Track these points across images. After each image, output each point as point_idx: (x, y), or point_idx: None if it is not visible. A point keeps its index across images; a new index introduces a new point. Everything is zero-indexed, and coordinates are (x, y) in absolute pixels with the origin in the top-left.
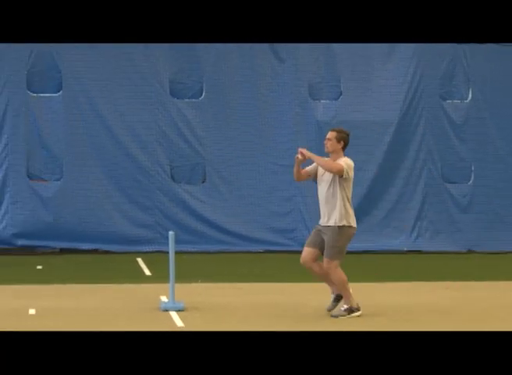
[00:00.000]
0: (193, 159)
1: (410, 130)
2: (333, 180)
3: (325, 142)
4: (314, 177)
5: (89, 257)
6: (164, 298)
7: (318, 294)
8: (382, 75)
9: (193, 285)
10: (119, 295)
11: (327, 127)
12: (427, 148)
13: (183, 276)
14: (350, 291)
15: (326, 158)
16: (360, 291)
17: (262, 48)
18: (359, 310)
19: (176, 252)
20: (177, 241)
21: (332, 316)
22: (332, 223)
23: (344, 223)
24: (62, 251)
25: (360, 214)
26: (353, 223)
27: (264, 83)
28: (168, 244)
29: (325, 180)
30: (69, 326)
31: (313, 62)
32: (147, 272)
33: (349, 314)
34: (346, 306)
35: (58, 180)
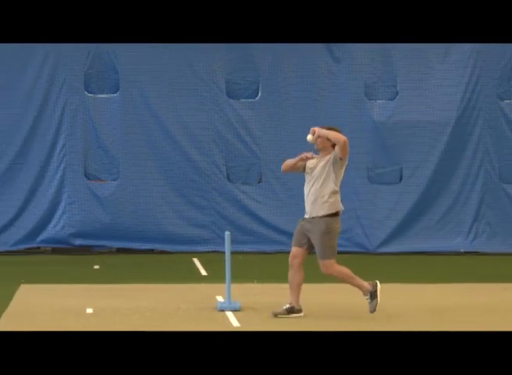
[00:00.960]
0: (249, 159)
1: (467, 131)
2: (327, 173)
3: (315, 140)
4: (302, 169)
5: (145, 257)
6: (220, 298)
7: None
8: (439, 75)
9: (249, 285)
10: (174, 295)
11: (383, 127)
12: (484, 149)
13: (238, 277)
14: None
15: (333, 132)
16: (416, 292)
17: (318, 48)
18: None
19: (232, 252)
20: (233, 241)
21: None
22: (321, 214)
23: (333, 210)
24: (119, 251)
25: (416, 214)
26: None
27: (320, 84)
28: (224, 244)
29: (317, 173)
30: (126, 325)
31: (369, 62)
32: (203, 272)
33: (372, 300)
34: (368, 295)
35: (114, 180)
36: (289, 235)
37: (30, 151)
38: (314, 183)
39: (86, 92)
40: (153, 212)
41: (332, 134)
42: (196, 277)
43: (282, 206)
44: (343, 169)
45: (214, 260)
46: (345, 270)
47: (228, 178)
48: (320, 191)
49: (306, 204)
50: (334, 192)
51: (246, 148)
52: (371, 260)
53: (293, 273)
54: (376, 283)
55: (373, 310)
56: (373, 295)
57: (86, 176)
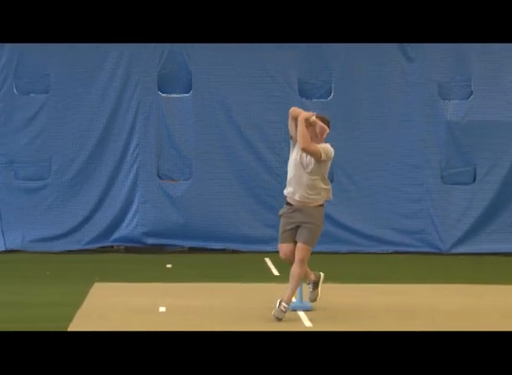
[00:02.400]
0: None
1: None
2: (318, 165)
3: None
4: (295, 139)
5: (217, 256)
6: (292, 298)
7: (446, 296)
8: None
9: (321, 285)
10: (246, 295)
11: (457, 127)
12: None
13: None
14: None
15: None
16: (489, 293)
17: (391, 48)
18: None
19: None
20: None
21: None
22: (315, 204)
23: (323, 201)
24: (191, 250)
25: (490, 215)
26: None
27: (393, 83)
28: None
29: (309, 161)
30: (198, 325)
31: (442, 62)
32: (275, 272)
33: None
34: (311, 283)
35: (187, 179)
36: (361, 235)
37: (104, 151)
38: (305, 168)
39: (159, 92)
40: (225, 212)
41: (303, 134)
42: (268, 277)
43: (354, 206)
44: (328, 165)
45: None
46: (304, 271)
47: None
48: (314, 181)
49: (292, 182)
50: (326, 183)
51: None
52: (444, 261)
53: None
54: (320, 275)
55: (313, 300)
56: (315, 285)
57: (158, 176)
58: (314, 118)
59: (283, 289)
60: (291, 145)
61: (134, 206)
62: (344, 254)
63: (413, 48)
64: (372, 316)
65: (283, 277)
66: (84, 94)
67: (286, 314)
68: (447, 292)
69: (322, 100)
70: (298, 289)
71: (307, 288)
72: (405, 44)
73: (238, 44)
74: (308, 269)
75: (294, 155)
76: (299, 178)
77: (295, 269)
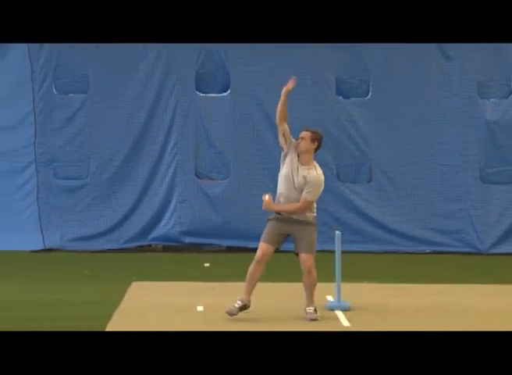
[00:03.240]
0: (358, 159)
1: None
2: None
3: (299, 141)
4: (288, 142)
5: (254, 255)
6: (330, 298)
7: (484, 296)
8: None
9: (359, 285)
10: (284, 294)
11: (496, 126)
12: None
13: (348, 276)
14: None
15: (290, 205)
16: None
17: (429, 47)
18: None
19: (342, 252)
20: (342, 241)
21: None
22: (309, 219)
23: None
24: (229, 249)
25: None
26: None
27: (432, 82)
28: (333, 243)
29: (301, 181)
30: (236, 325)
31: (481, 60)
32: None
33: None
34: (313, 308)
35: (225, 179)
36: (399, 235)
37: (142, 150)
38: (296, 189)
39: (197, 92)
40: (262, 211)
41: (288, 208)
42: None
43: (392, 206)
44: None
45: (323, 259)
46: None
47: (338, 177)
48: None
49: (282, 197)
50: (313, 210)
51: (356, 147)
52: (483, 261)
53: (258, 269)
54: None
55: (312, 319)
56: (316, 310)
57: (196, 175)
58: (290, 86)
59: (321, 288)
60: (282, 157)
61: (172, 205)
62: (382, 254)
63: (452, 47)
64: (410, 316)
65: (321, 276)
66: (122, 94)
67: (324, 313)
68: (485, 292)
69: (360, 99)
70: (336, 289)
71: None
72: (444, 44)
73: (276, 43)
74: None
75: (285, 170)
76: (288, 195)
77: (306, 280)
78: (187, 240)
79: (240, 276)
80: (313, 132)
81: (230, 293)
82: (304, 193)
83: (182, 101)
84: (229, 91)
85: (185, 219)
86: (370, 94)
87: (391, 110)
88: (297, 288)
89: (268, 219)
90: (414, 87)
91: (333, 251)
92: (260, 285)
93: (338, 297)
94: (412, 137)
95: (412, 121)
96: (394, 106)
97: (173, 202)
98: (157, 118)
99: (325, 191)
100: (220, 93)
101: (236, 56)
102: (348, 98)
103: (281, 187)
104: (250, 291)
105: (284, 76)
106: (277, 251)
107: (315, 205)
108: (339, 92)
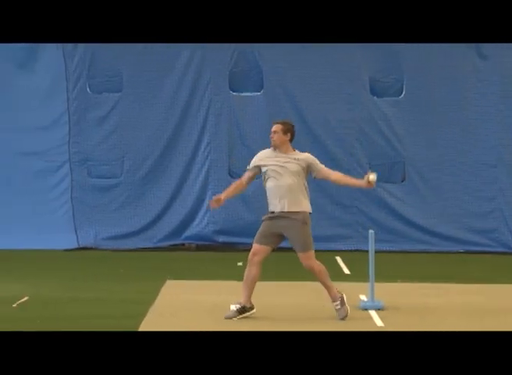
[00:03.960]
0: (392, 158)
1: None
2: (298, 172)
3: (272, 136)
4: (258, 171)
5: (289, 255)
6: (363, 297)
7: None
8: None
9: (393, 285)
10: (318, 294)
11: None
12: None
13: (381, 276)
14: None
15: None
16: None
17: (464, 47)
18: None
19: (376, 251)
20: (376, 240)
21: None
22: (299, 209)
23: (310, 209)
24: None
25: None
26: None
27: (466, 81)
28: (366, 242)
29: (288, 169)
30: (269, 324)
31: None
32: (346, 270)
33: (341, 306)
34: (338, 300)
35: (257, 178)
36: (433, 234)
37: (176, 149)
38: (284, 177)
39: (230, 91)
40: None
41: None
42: (339, 276)
43: (426, 205)
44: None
45: (356, 259)
46: (322, 267)
47: None
48: (294, 187)
49: (273, 198)
50: (306, 189)
51: (389, 147)
52: None
53: (250, 269)
54: (342, 294)
55: (343, 317)
56: (342, 302)
57: (229, 174)
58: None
59: (355, 288)
60: (263, 177)
61: (205, 204)
62: (417, 253)
63: (486, 47)
64: (443, 315)
65: (354, 276)
66: (156, 93)
67: (358, 313)
68: None
69: (394, 98)
70: (370, 288)
71: (333, 307)
72: (478, 43)
73: (309, 43)
74: (332, 285)
75: (270, 171)
76: (287, 184)
77: (316, 276)
78: (220, 239)
79: (273, 276)
80: (283, 123)
81: (263, 292)
82: (319, 168)
83: (215, 100)
84: (262, 90)
85: (218, 218)
86: (404, 93)
87: (425, 109)
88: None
89: (262, 220)
90: (448, 86)
91: (367, 251)
92: (291, 284)
93: (371, 296)
94: (446, 137)
95: (446, 120)
96: (428, 105)
97: (206, 201)
98: (190, 117)
99: (359, 190)
100: (253, 92)
101: (270, 55)
102: (382, 97)
103: (272, 184)
104: (246, 293)
105: (317, 75)
106: (274, 250)
107: (307, 195)
108: (372, 91)
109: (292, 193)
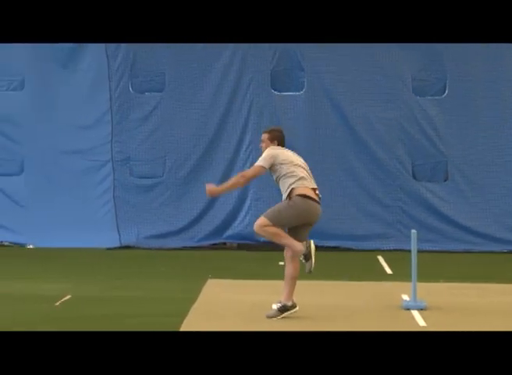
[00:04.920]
0: (435, 157)
1: None
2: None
3: (260, 145)
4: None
5: (330, 254)
6: (406, 297)
7: None
8: None
9: (435, 284)
10: (360, 293)
11: None
12: None
13: (424, 275)
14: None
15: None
16: None
17: (507, 47)
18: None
19: (418, 251)
20: (418, 240)
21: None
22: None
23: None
24: None
25: None
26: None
27: (509, 81)
28: (409, 242)
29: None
30: (310, 324)
31: None
32: (388, 270)
33: (306, 261)
34: (302, 256)
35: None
36: (476, 234)
37: (217, 149)
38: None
39: (272, 90)
40: (337, 209)
41: (230, 185)
42: (381, 275)
43: (469, 205)
44: (282, 165)
45: (399, 258)
46: (274, 229)
47: (414, 176)
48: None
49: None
50: (289, 175)
51: (432, 146)
52: None
53: (286, 266)
54: (310, 244)
55: (308, 271)
56: (307, 256)
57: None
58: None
59: (397, 287)
60: (279, 167)
61: (247, 203)
62: (460, 253)
63: None
64: (486, 316)
65: (396, 275)
66: (198, 93)
67: (400, 313)
68: None
69: (436, 97)
70: (412, 288)
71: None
72: None
73: (350, 44)
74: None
75: (289, 158)
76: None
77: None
78: (262, 238)
79: (314, 275)
80: (269, 132)
81: (305, 292)
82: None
83: (257, 99)
84: (304, 90)
85: None
86: (446, 92)
87: (468, 109)
88: (358, 287)
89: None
90: (491, 86)
91: (408, 251)
92: (332, 283)
93: (414, 296)
94: (489, 136)
95: (489, 120)
96: (471, 105)
97: (248, 200)
98: (232, 116)
99: (401, 189)
100: (295, 91)
101: (312, 55)
102: (424, 96)
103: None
104: (286, 291)
105: (359, 74)
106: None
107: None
108: (415, 91)
109: (283, 187)
